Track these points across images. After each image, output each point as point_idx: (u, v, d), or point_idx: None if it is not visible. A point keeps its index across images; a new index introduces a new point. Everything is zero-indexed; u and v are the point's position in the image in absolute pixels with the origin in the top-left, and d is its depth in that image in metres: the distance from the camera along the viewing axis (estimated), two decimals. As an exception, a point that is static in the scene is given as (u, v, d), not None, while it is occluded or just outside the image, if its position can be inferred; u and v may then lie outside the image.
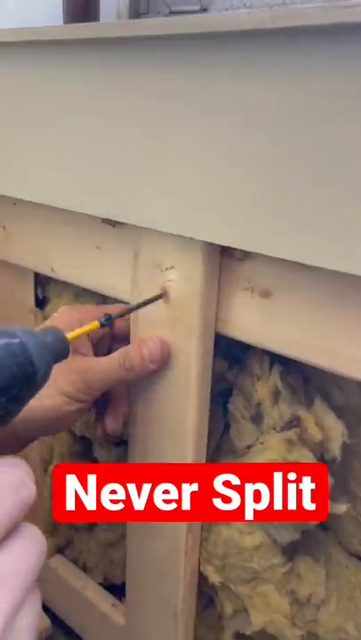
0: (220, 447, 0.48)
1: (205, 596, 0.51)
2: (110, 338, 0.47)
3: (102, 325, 0.34)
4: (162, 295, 0.40)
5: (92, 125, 0.39)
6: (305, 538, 0.43)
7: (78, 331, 0.32)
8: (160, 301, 0.41)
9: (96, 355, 0.43)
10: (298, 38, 0.28)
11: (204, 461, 0.44)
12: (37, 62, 0.41)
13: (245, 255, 0.38)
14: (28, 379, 0.24)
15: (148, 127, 0.36)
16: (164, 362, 0.41)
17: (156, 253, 0.40)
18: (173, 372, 0.42)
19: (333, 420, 0.41)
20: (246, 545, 0.43)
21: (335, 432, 0.41)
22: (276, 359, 0.43)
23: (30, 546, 0.21)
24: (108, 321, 0.34)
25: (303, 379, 0.45)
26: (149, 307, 0.42)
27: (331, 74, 0.28)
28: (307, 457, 0.41)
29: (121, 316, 0.37)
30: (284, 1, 0.62)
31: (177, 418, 0.43)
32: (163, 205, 0.37)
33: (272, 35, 0.29)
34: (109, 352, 0.44)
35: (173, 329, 0.41)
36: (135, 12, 0.77)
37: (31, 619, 0.21)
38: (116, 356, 0.41)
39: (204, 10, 0.69)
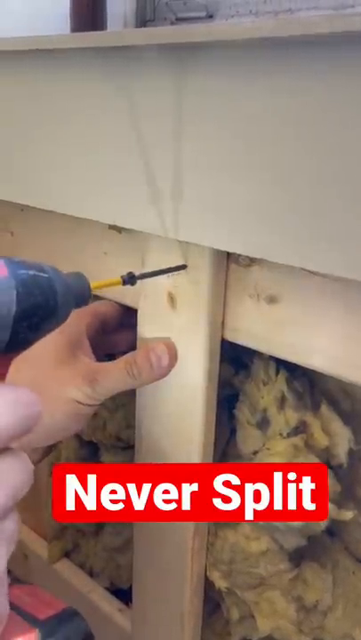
0: (226, 452, 0.48)
1: (212, 601, 0.51)
2: (102, 330, 0.47)
3: (124, 283, 0.34)
4: (184, 266, 0.39)
5: (99, 133, 0.39)
6: (311, 544, 0.43)
7: (101, 282, 0.32)
8: (166, 306, 0.41)
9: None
10: (303, 47, 0.28)
11: (210, 467, 0.45)
12: (44, 70, 0.41)
13: (252, 261, 0.38)
14: (50, 312, 0.25)
15: (155, 135, 0.36)
16: (171, 368, 0.41)
17: (162, 259, 0.40)
18: (180, 377, 0.42)
19: (340, 426, 0.41)
20: (253, 550, 0.43)
21: (341, 438, 0.41)
22: (282, 365, 0.43)
23: (17, 463, 0.23)
24: (132, 279, 0.35)
25: (309, 384, 0.45)
26: (156, 311, 0.42)
27: (338, 82, 0.28)
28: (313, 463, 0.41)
29: (143, 277, 0.36)
30: (290, 8, 0.62)
31: (183, 423, 0.43)
32: (169, 212, 0.37)
33: (276, 43, 0.29)
34: (100, 343, 0.44)
35: (180, 334, 0.41)
36: (142, 19, 0.77)
37: (13, 530, 0.23)
38: (122, 362, 0.41)
39: (210, 17, 0.69)
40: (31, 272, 0.25)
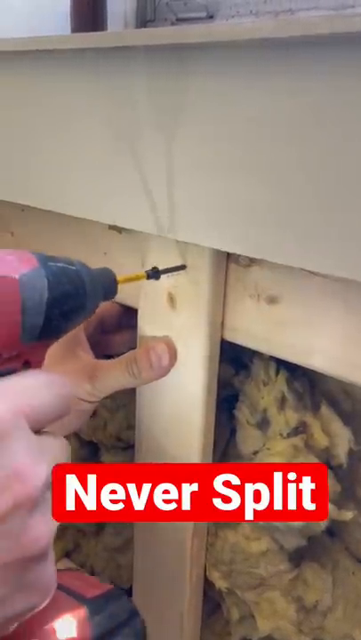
0: (226, 453, 0.48)
1: (212, 601, 0.51)
2: (100, 330, 0.47)
3: (149, 277, 0.36)
4: (184, 267, 0.40)
5: (99, 133, 0.39)
6: (312, 544, 0.43)
7: (127, 276, 0.33)
8: (166, 306, 0.41)
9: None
10: (303, 47, 0.28)
11: (210, 467, 0.45)
12: (44, 71, 0.41)
13: (251, 261, 0.38)
14: (80, 301, 0.27)
15: (154, 135, 0.36)
16: (171, 367, 0.41)
17: (162, 260, 0.40)
18: (180, 377, 0.42)
19: (340, 427, 0.41)
20: (253, 551, 0.43)
21: (341, 438, 0.41)
22: (283, 365, 0.43)
23: (58, 441, 0.26)
24: (156, 274, 0.36)
25: (310, 384, 0.45)
26: (157, 312, 0.42)
27: (338, 83, 0.28)
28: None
29: (167, 271, 0.38)
30: (290, 8, 0.62)
31: (183, 423, 0.43)
32: (169, 213, 0.37)
33: (277, 44, 0.29)
34: (98, 343, 0.44)
35: (179, 335, 0.41)
36: (142, 19, 0.77)
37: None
38: (123, 361, 0.41)
39: (210, 17, 0.69)
40: (60, 264, 0.27)
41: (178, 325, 0.41)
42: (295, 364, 0.38)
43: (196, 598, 0.48)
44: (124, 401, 0.54)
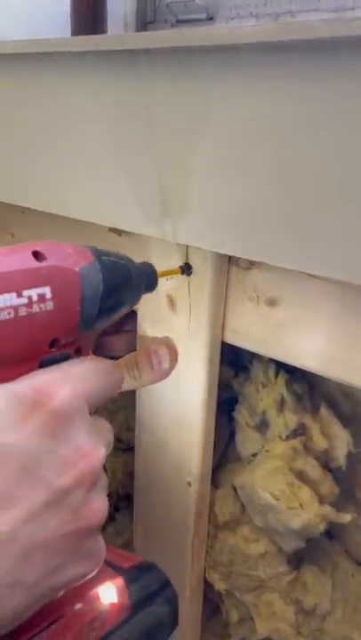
0: (226, 454, 0.48)
1: (212, 603, 0.51)
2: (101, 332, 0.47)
3: (183, 272, 0.38)
4: (182, 271, 0.41)
5: (100, 136, 0.39)
6: (311, 546, 0.43)
7: (164, 271, 0.35)
8: (166, 309, 0.41)
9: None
10: (303, 51, 0.28)
11: (210, 468, 0.45)
12: (44, 73, 0.41)
13: (251, 264, 0.38)
14: (128, 292, 0.29)
15: (154, 138, 0.36)
16: (172, 370, 0.41)
17: (162, 262, 0.40)
18: (180, 379, 0.42)
19: (339, 429, 0.41)
20: (252, 553, 0.43)
21: (340, 441, 0.41)
22: (282, 367, 0.43)
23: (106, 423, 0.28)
24: (189, 270, 0.38)
25: (309, 387, 0.45)
26: (157, 314, 0.42)
27: (338, 86, 0.28)
28: (312, 465, 0.41)
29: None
30: (290, 10, 0.62)
31: (183, 425, 0.43)
32: (170, 216, 0.37)
33: (277, 47, 0.29)
34: (98, 345, 0.44)
35: (180, 337, 0.41)
36: (142, 21, 0.77)
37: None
38: (123, 363, 0.41)
39: (210, 19, 0.69)
40: (112, 258, 0.28)
41: (178, 328, 0.41)
42: (295, 367, 0.38)
43: (196, 600, 0.49)
44: (125, 403, 0.54)
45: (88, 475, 0.25)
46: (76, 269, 0.26)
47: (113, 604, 0.29)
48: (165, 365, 0.40)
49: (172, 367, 0.41)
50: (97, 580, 0.29)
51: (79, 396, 0.25)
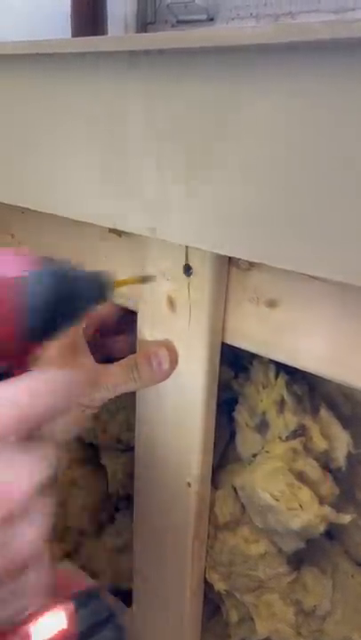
0: (226, 455, 0.48)
1: (212, 603, 0.51)
2: (100, 333, 0.46)
3: (144, 281, 0.38)
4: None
5: (99, 137, 0.39)
6: (311, 547, 0.43)
7: (123, 280, 0.34)
8: (166, 310, 0.41)
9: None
10: (303, 53, 0.29)
11: (210, 469, 0.45)
12: (44, 74, 0.41)
13: (251, 265, 0.38)
14: (77, 304, 0.28)
15: (155, 140, 0.36)
16: (172, 372, 0.41)
17: (162, 263, 0.40)
18: (180, 380, 0.42)
19: (339, 430, 0.41)
20: (252, 553, 0.43)
21: (340, 441, 0.41)
22: (282, 368, 0.43)
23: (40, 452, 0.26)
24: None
25: (309, 388, 0.45)
26: (157, 315, 0.42)
27: (339, 87, 0.28)
28: (312, 466, 0.41)
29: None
30: (290, 11, 0.62)
31: (183, 426, 0.43)
32: (169, 216, 0.37)
33: (276, 49, 0.29)
34: (97, 347, 0.44)
35: (180, 338, 0.41)
36: (142, 22, 0.77)
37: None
38: (123, 365, 0.41)
39: (210, 19, 0.69)
40: (61, 267, 0.28)
41: (178, 328, 0.41)
42: (295, 367, 0.38)
43: (197, 600, 0.49)
44: (125, 403, 0.54)
45: (6, 513, 0.23)
46: (20, 277, 0.25)
47: (61, 632, 0.28)
48: (165, 366, 0.40)
49: (172, 368, 0.41)
50: (45, 606, 0.28)
51: None
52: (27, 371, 0.26)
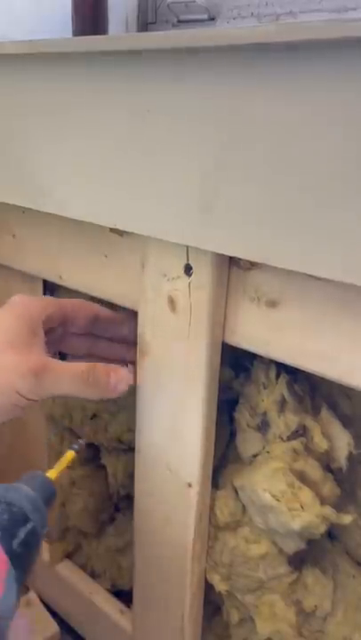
0: (226, 455, 0.48)
1: (213, 604, 0.51)
2: (62, 326, 0.46)
3: (76, 451, 0.40)
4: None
5: (101, 137, 0.39)
6: (312, 548, 0.43)
7: (57, 469, 0.36)
8: (167, 310, 0.41)
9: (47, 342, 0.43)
10: (303, 51, 0.28)
11: (210, 469, 0.45)
12: (45, 74, 0.41)
13: (252, 265, 0.38)
14: (25, 529, 0.29)
15: (154, 141, 0.36)
16: (121, 394, 0.41)
17: (162, 263, 0.40)
18: (180, 380, 0.42)
19: (340, 430, 0.41)
20: (252, 554, 0.43)
21: (341, 441, 0.41)
22: (283, 368, 0.43)
23: None
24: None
25: (310, 388, 0.45)
26: (157, 315, 0.42)
27: (340, 86, 0.28)
28: (313, 466, 0.41)
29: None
30: (291, 10, 0.62)
31: (183, 426, 0.43)
32: (170, 216, 0.37)
33: (277, 48, 0.29)
34: (56, 339, 0.44)
35: (180, 338, 0.41)
36: (143, 21, 0.77)
37: None
38: (83, 368, 0.40)
39: (211, 19, 0.69)
40: (4, 515, 0.29)
41: (178, 328, 0.41)
42: (296, 367, 0.38)
43: (197, 601, 0.49)
44: (126, 403, 0.54)
45: None
46: None
47: None
48: (120, 388, 0.40)
49: (122, 392, 0.41)
50: None
51: None
52: None
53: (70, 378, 0.39)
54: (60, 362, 0.40)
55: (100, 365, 0.41)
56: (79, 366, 0.40)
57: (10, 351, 0.39)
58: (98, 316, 0.47)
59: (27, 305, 0.42)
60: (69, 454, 0.37)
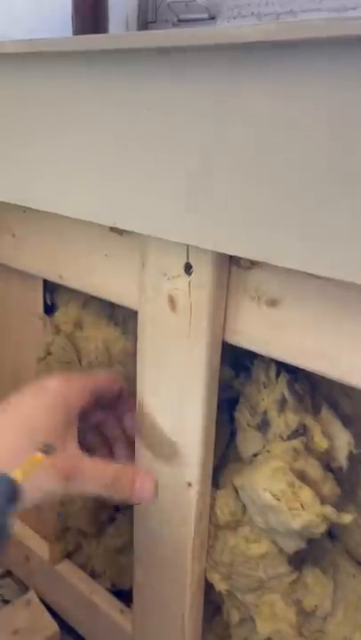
0: (227, 455, 0.48)
1: (213, 603, 0.51)
2: (97, 407, 0.45)
3: (45, 453, 0.37)
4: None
5: (101, 136, 0.39)
6: (312, 547, 0.43)
7: (24, 469, 0.34)
8: (167, 309, 0.41)
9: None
10: (303, 50, 0.28)
11: (210, 468, 0.45)
12: (45, 73, 0.41)
13: (252, 264, 0.38)
14: None
15: (154, 139, 0.36)
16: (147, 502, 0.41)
17: (162, 262, 0.40)
18: (180, 379, 0.42)
19: (340, 429, 0.41)
20: (252, 553, 0.43)
21: (341, 441, 0.41)
22: (283, 367, 0.43)
23: None
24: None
25: (310, 387, 0.45)
26: (157, 314, 0.42)
27: (340, 85, 0.28)
28: (313, 466, 0.41)
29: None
30: (291, 9, 0.62)
31: (183, 425, 0.43)
32: (170, 215, 0.37)
33: (277, 46, 0.29)
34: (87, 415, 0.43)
35: (180, 337, 0.41)
36: (143, 21, 0.77)
37: None
38: (110, 473, 0.39)
39: (212, 18, 0.69)
40: None
41: (178, 328, 0.41)
42: (296, 367, 0.38)
43: (197, 600, 0.48)
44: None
45: None
46: None
47: None
48: (146, 495, 0.40)
49: (151, 499, 0.40)
50: None
51: None
52: None
53: (97, 483, 0.39)
54: (90, 462, 0.39)
55: (129, 471, 0.40)
56: (107, 471, 0.39)
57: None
58: (120, 395, 0.46)
59: (65, 395, 0.41)
60: (38, 457, 0.36)
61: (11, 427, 0.38)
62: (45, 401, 0.40)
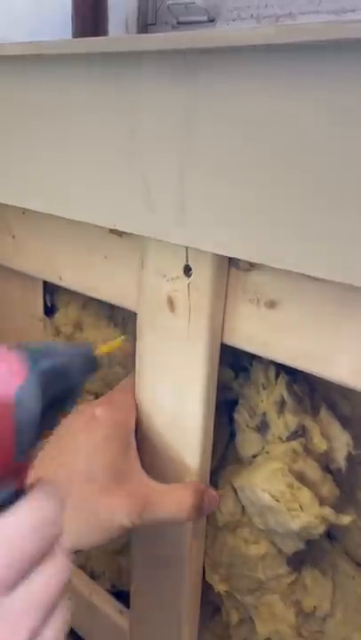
0: (226, 456, 0.48)
1: (212, 604, 0.51)
2: None
3: (122, 341, 0.35)
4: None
5: (100, 137, 0.39)
6: (311, 548, 0.43)
7: (105, 347, 0.32)
8: (166, 310, 0.41)
9: None
10: (303, 53, 0.29)
11: (209, 470, 0.45)
12: (44, 75, 0.42)
13: (251, 266, 0.38)
14: (71, 395, 0.26)
15: (153, 141, 0.36)
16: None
17: (162, 264, 0.40)
18: (179, 381, 0.42)
19: (339, 431, 0.41)
20: (251, 554, 0.43)
21: (340, 442, 0.41)
22: (282, 369, 0.43)
23: (51, 577, 0.23)
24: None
25: (309, 388, 0.45)
26: (156, 316, 0.42)
27: (339, 87, 0.28)
28: (312, 467, 0.41)
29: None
30: (290, 11, 0.62)
31: (182, 427, 0.43)
32: (170, 217, 0.37)
33: (276, 50, 0.29)
34: None
35: (179, 338, 0.41)
36: (143, 23, 0.77)
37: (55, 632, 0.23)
38: (189, 502, 0.38)
39: (211, 20, 0.69)
40: (49, 362, 0.25)
41: (177, 329, 0.41)
42: (295, 368, 0.38)
43: (195, 601, 0.49)
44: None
45: None
46: (10, 396, 0.23)
47: None
48: (208, 511, 0.39)
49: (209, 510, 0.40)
50: None
51: None
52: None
53: (168, 510, 0.38)
54: (160, 490, 0.38)
55: (210, 493, 0.40)
56: (185, 499, 0.38)
57: (111, 484, 0.37)
58: None
59: (116, 420, 0.40)
60: (117, 342, 0.34)
61: (70, 473, 0.37)
62: (100, 434, 0.39)
